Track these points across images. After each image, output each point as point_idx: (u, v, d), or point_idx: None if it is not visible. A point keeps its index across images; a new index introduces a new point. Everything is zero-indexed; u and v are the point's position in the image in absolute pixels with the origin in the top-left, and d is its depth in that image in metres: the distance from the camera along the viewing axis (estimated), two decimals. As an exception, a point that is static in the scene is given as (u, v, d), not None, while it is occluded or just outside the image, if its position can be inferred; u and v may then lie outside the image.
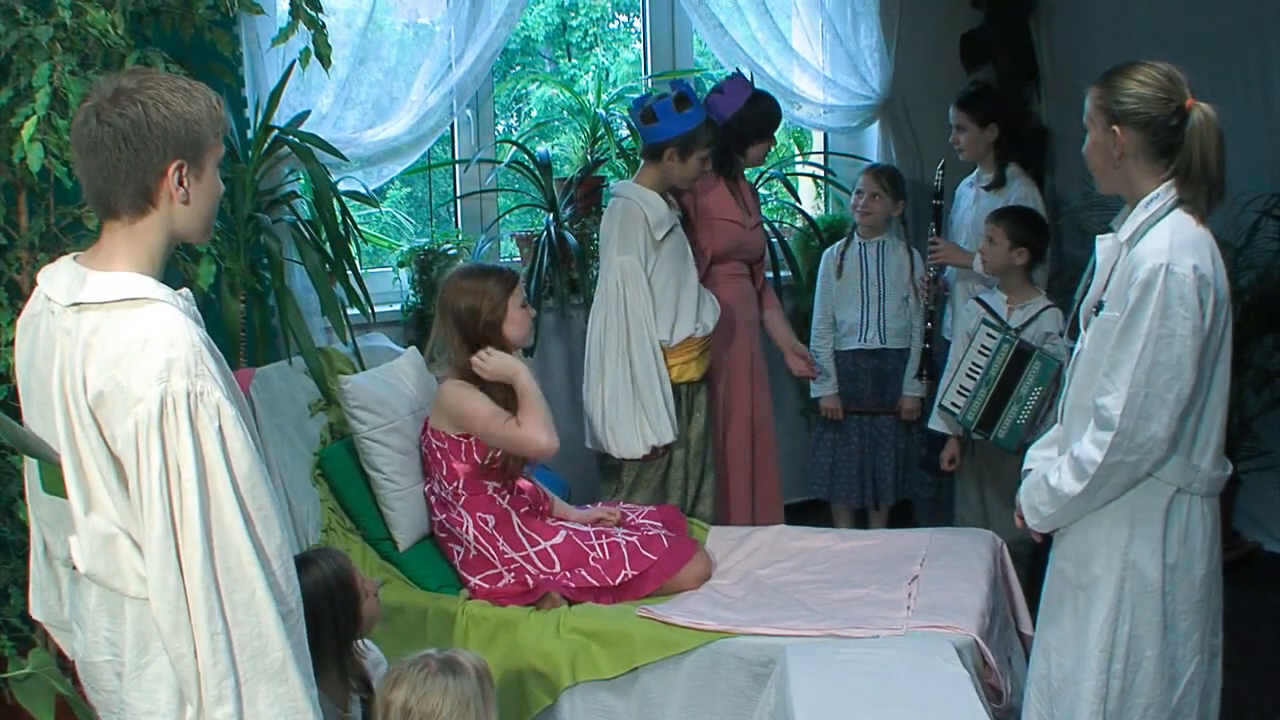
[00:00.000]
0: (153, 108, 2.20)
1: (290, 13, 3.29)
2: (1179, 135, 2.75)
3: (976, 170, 5.13)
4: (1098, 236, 2.94)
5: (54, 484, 2.31)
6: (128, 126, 2.19)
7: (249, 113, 4.38)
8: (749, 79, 4.93)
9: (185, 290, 2.32)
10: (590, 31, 6.55)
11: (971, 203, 5.07)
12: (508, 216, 5.51)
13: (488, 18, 4.97)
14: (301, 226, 4.27)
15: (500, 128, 5.72)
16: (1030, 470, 3.06)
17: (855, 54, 5.75)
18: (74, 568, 2.31)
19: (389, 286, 5.03)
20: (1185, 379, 2.71)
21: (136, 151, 2.20)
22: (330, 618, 2.90)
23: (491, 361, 3.80)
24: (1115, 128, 2.80)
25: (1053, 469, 2.91)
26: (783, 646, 3.33)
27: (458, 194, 5.34)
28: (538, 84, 6.22)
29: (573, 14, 6.47)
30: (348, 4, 4.79)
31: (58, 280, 2.28)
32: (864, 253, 5.23)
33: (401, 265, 5.03)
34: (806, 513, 5.41)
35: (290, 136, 4.20)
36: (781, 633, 3.46)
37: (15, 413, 2.47)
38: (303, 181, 4.44)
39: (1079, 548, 2.93)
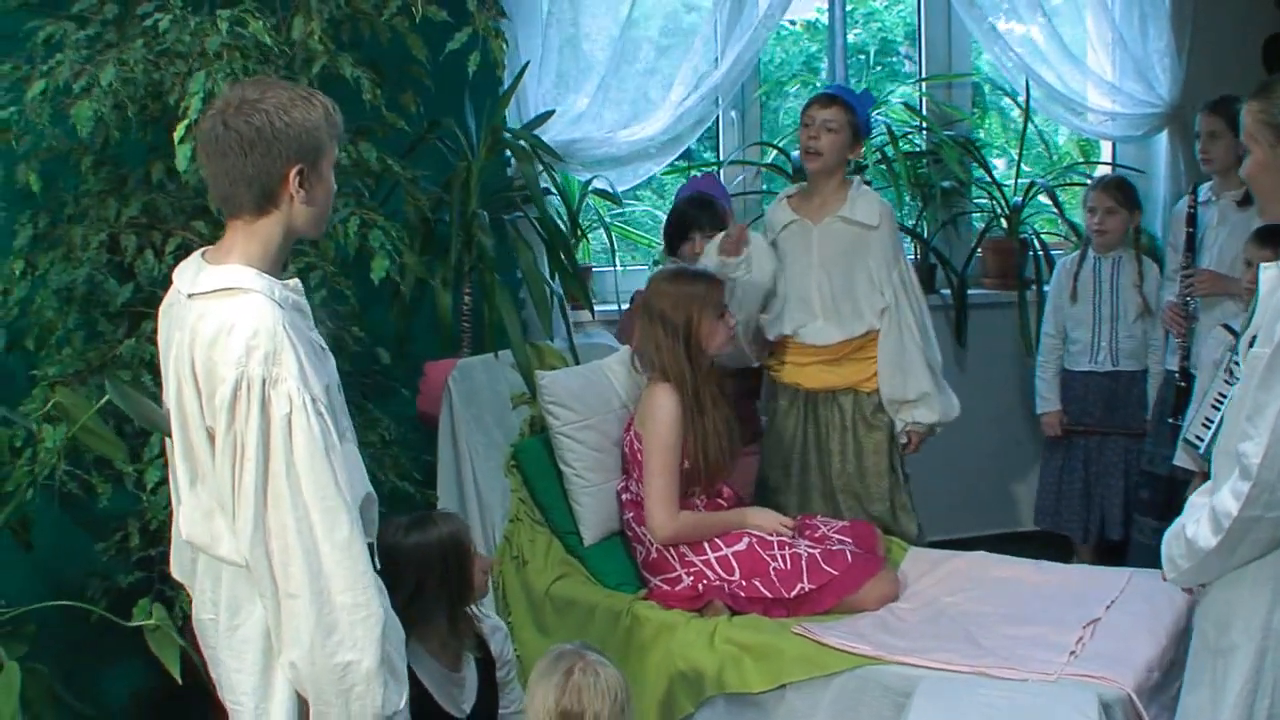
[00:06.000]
0: (275, 115, 2.35)
1: (469, 22, 3.40)
2: None
3: (1210, 184, 4.73)
4: (1261, 265, 2.66)
5: None
6: (252, 134, 2.35)
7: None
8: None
9: (294, 282, 2.47)
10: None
11: (1216, 221, 4.66)
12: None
13: (750, 19, 4.99)
14: (532, 223, 4.42)
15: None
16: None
17: (1142, 59, 5.42)
18: None
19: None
20: None
21: (261, 157, 2.36)
22: (441, 574, 3.00)
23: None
24: None
25: (1191, 519, 2.66)
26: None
27: (715, 194, 5.38)
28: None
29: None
30: (609, 3, 4.92)
31: (185, 273, 2.48)
32: (1098, 269, 4.92)
33: (656, 264, 5.10)
34: (1045, 543, 5.11)
35: (520, 141, 4.35)
36: (929, 665, 3.33)
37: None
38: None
39: (1220, 610, 2.66)
